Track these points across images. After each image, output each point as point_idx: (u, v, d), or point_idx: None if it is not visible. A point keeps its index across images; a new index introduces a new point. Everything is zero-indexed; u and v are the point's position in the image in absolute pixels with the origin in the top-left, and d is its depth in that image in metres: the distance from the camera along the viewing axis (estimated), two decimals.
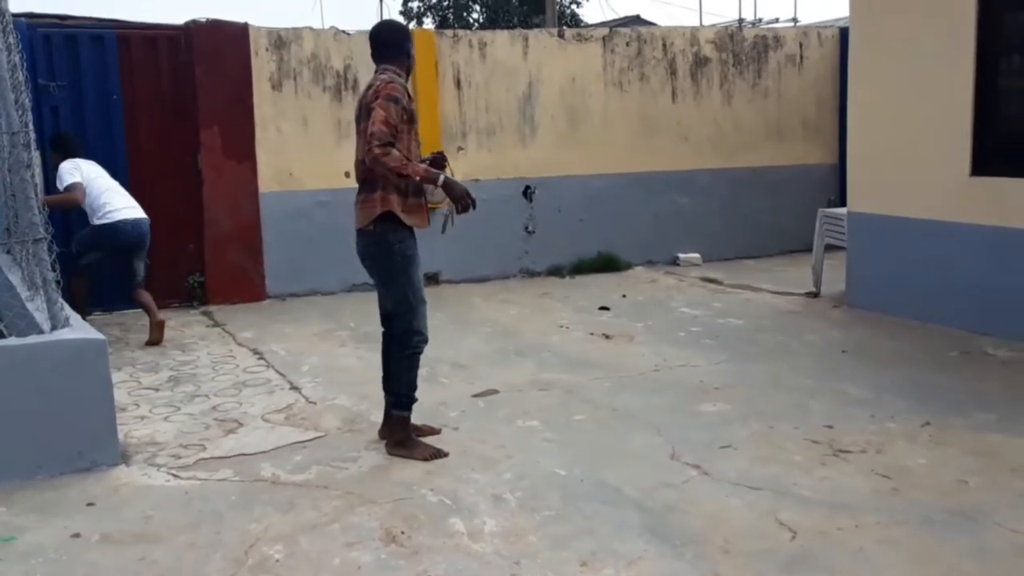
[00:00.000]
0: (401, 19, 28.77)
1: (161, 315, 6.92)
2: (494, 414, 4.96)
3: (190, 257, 8.10)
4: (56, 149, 7.00)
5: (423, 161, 4.34)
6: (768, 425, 4.64)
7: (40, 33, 7.47)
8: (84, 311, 6.70)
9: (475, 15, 31.22)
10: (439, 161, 4.37)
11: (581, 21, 29.73)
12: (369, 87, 4.27)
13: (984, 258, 6.28)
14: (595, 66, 9.33)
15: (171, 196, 7.91)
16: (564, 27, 12.08)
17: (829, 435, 4.46)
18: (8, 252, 5.46)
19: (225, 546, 3.44)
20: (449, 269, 8.71)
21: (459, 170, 4.56)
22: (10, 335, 4.28)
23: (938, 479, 3.93)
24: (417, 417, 4.63)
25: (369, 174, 4.21)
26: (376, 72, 4.33)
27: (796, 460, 4.18)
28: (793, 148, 10.14)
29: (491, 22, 29.38)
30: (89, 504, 3.85)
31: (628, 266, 9.47)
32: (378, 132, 4.05)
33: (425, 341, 4.37)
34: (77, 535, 3.56)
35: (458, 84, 8.87)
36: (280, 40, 8.26)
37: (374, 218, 4.21)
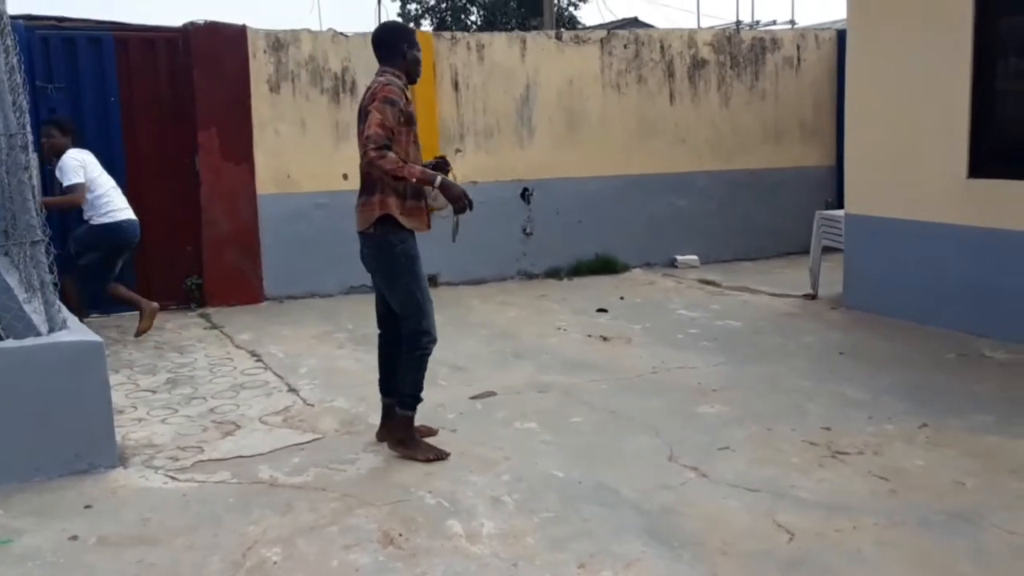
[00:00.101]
0: (399, 21, 28.75)
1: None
2: (492, 416, 4.96)
3: (188, 259, 8.10)
4: (65, 133, 6.86)
5: (426, 165, 4.34)
6: (766, 427, 4.65)
7: (38, 35, 7.47)
8: (81, 313, 6.70)
9: (473, 17, 31.24)
10: (441, 166, 4.36)
11: (579, 23, 29.75)
12: (368, 89, 4.27)
13: (981, 260, 6.29)
14: (593, 68, 9.34)
15: (169, 198, 7.92)
16: (562, 29, 12.09)
17: (827, 437, 4.47)
18: (6, 254, 5.46)
19: (223, 548, 3.44)
20: (447, 271, 8.70)
21: (457, 172, 4.53)
22: (8, 337, 4.28)
23: (935, 480, 3.93)
24: (416, 417, 4.64)
25: (368, 177, 4.21)
26: (376, 74, 4.33)
27: (794, 462, 4.18)
28: (790, 150, 10.16)
29: (489, 24, 29.40)
30: (87, 506, 3.85)
31: (626, 268, 9.48)
32: (374, 135, 4.05)
33: (434, 341, 4.33)
34: (75, 537, 3.56)
35: (456, 86, 8.88)
36: (278, 42, 8.26)
37: (373, 221, 4.21)
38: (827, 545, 3.37)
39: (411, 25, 28.27)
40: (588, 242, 9.39)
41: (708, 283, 8.75)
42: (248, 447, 4.54)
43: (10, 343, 4.15)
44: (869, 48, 7.05)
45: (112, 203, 6.87)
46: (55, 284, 4.29)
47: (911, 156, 6.74)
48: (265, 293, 8.30)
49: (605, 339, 6.66)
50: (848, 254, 7.39)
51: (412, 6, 31.07)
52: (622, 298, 8.13)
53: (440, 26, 29.78)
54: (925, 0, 6.61)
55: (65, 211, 6.99)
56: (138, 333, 6.89)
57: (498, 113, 9.04)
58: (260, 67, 8.18)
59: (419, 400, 4.38)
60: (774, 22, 16.75)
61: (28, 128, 4.51)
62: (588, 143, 9.35)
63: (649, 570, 3.23)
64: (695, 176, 9.78)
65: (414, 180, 4.11)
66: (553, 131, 9.25)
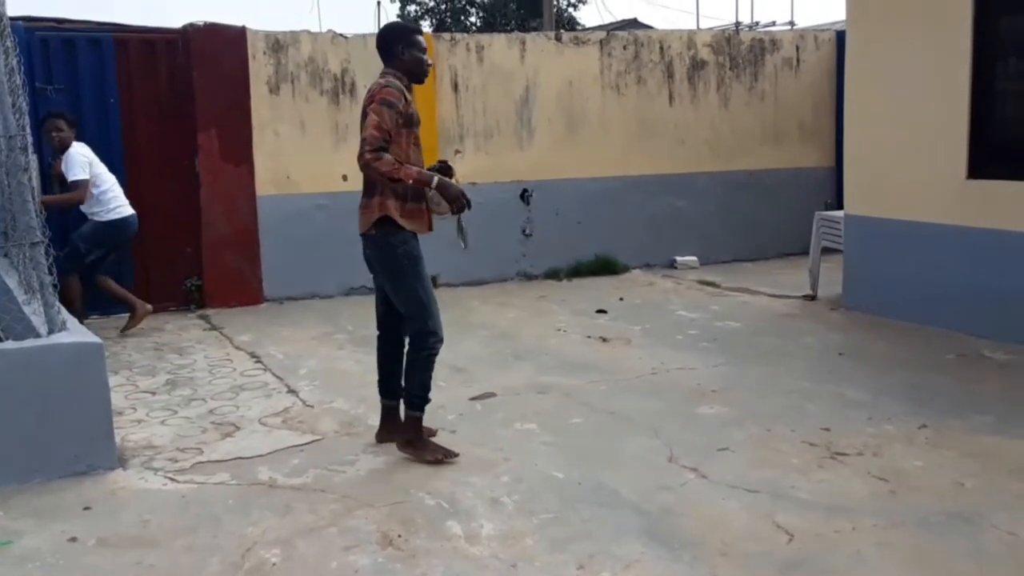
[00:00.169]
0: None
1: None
2: (492, 417, 4.96)
3: (187, 260, 8.09)
4: (72, 126, 6.93)
5: (429, 169, 4.33)
6: (765, 428, 4.65)
7: (38, 36, 7.46)
8: (82, 315, 6.72)
9: (472, 19, 31.26)
10: (444, 170, 4.35)
11: (578, 24, 29.77)
12: (368, 91, 4.28)
13: (981, 261, 6.29)
14: (592, 69, 9.35)
15: (168, 199, 7.91)
16: (561, 30, 12.09)
17: (826, 438, 4.46)
18: (5, 256, 5.45)
19: (222, 550, 3.44)
20: (447, 272, 8.70)
21: (457, 173, 4.54)
22: (7, 339, 4.27)
23: (935, 481, 3.93)
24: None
25: (369, 179, 4.21)
26: (379, 76, 4.33)
27: (793, 463, 4.18)
28: (790, 151, 10.16)
29: (488, 26, 29.42)
30: (86, 508, 3.85)
31: (625, 269, 9.48)
32: (369, 137, 4.05)
33: (440, 341, 4.30)
34: (74, 539, 3.56)
35: (455, 87, 8.88)
36: (278, 43, 8.26)
37: (373, 222, 4.22)
38: (826, 546, 3.37)
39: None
40: (588, 243, 9.39)
41: (708, 284, 8.75)
42: (247, 448, 4.54)
43: (9, 344, 4.15)
44: (868, 49, 7.06)
45: (117, 198, 6.99)
46: (55, 286, 4.29)
47: (910, 157, 6.74)
48: (265, 294, 8.30)
49: (605, 340, 6.66)
50: (847, 255, 7.39)
51: (411, 7, 31.11)
52: (621, 299, 8.13)
53: (439, 27, 29.80)
54: (924, 1, 6.61)
55: (65, 209, 7.01)
56: (123, 331, 6.90)
57: (497, 114, 9.05)
58: (260, 68, 8.18)
59: (427, 401, 4.35)
60: (773, 23, 16.75)
61: (28, 130, 4.51)
62: (587, 144, 9.35)
63: (648, 571, 3.23)
64: (694, 177, 9.78)
65: (410, 181, 4.11)
66: (552, 132, 9.25)
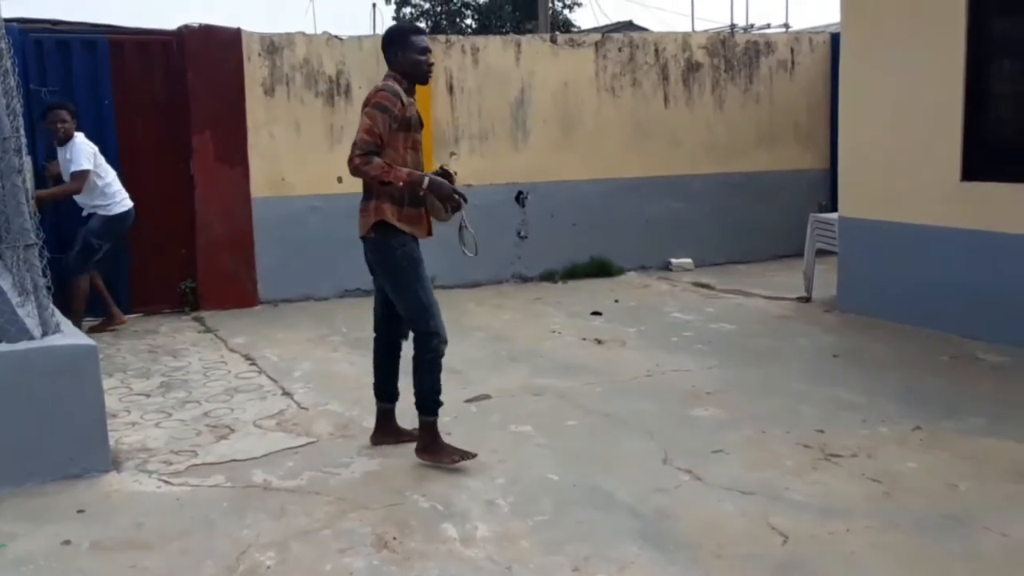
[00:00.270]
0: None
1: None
2: (487, 419, 4.96)
3: (182, 262, 8.09)
4: (74, 117, 7.02)
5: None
6: (760, 430, 4.65)
7: (32, 38, 7.45)
8: (80, 319, 6.76)
9: (468, 21, 31.27)
10: (444, 176, 4.31)
11: (574, 26, 29.78)
12: (367, 95, 4.28)
13: (974, 263, 6.31)
14: (588, 71, 9.36)
15: (163, 201, 7.91)
16: (556, 33, 12.10)
17: (821, 439, 4.47)
18: None
19: (217, 553, 3.43)
20: (443, 274, 8.66)
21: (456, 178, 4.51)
22: (0, 341, 4.26)
23: (929, 483, 3.94)
24: (409, 421, 4.63)
25: (365, 183, 4.22)
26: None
27: (788, 465, 4.18)
28: (785, 153, 10.18)
29: (483, 28, 29.42)
30: (80, 511, 3.84)
31: (621, 271, 9.48)
32: (360, 141, 4.07)
33: (444, 343, 4.26)
34: (68, 542, 3.55)
35: (451, 89, 8.88)
36: (272, 45, 8.25)
37: (371, 226, 4.22)
38: (821, 548, 3.37)
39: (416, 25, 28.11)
40: (583, 245, 9.40)
41: (702, 286, 8.76)
42: (242, 451, 4.53)
43: (3, 347, 4.13)
44: (862, 51, 7.07)
45: (120, 190, 7.20)
46: (48, 288, 4.28)
47: (905, 159, 6.76)
48: (259, 296, 8.29)
49: (600, 342, 6.66)
50: (842, 257, 7.41)
51: (407, 10, 31.10)
52: (617, 301, 8.13)
53: (435, 30, 29.78)
54: (918, 3, 6.63)
55: (59, 200, 7.04)
56: (90, 329, 6.83)
57: (493, 116, 9.05)
58: (255, 70, 8.18)
59: (439, 404, 4.30)
60: (768, 25, 16.74)
61: (22, 131, 4.50)
62: (583, 146, 9.36)
63: (643, 573, 3.23)
64: (690, 179, 9.80)
65: (401, 184, 4.11)
66: (548, 134, 9.26)
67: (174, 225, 7.98)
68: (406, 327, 4.41)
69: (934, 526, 3.53)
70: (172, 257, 8.04)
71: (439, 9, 31.20)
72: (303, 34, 8.43)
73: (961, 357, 5.93)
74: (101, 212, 7.03)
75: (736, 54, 9.92)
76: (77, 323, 6.89)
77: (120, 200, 7.11)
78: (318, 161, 8.31)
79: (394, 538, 3.51)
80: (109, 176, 7.08)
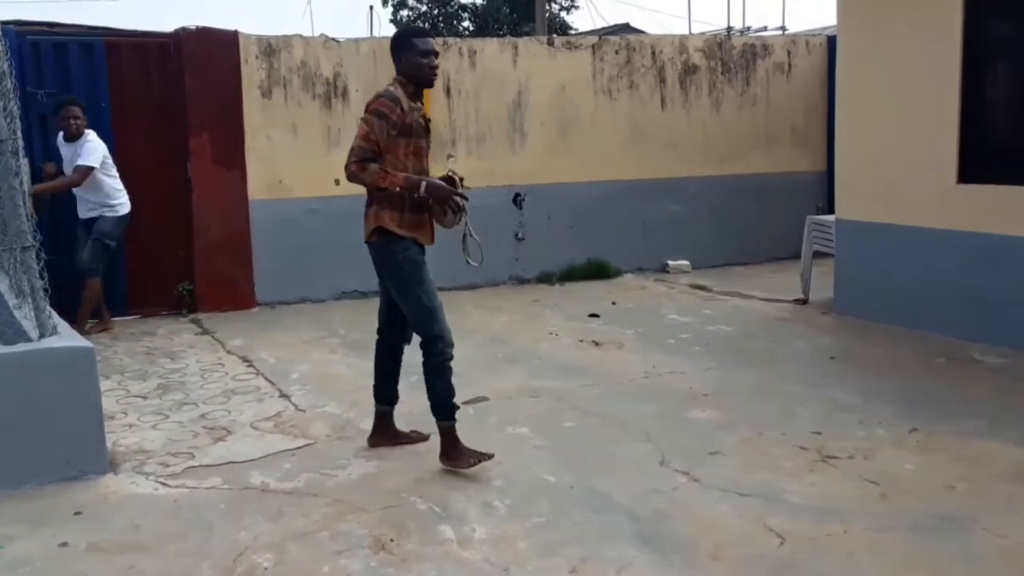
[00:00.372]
0: (391, 28, 28.76)
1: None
2: (484, 421, 4.96)
3: (179, 265, 8.08)
4: (85, 113, 7.09)
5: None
6: (757, 432, 4.65)
7: (29, 40, 7.45)
8: (84, 323, 6.80)
9: (465, 23, 31.28)
10: (448, 182, 4.29)
11: (571, 29, 29.80)
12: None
13: (971, 265, 6.32)
14: (585, 74, 9.36)
15: (160, 204, 7.90)
16: (554, 35, 12.11)
17: (818, 441, 4.48)
18: None
19: (214, 555, 3.43)
20: (440, 276, 8.59)
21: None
22: None
23: (926, 485, 3.95)
24: (405, 423, 4.64)
25: (367, 189, 4.22)
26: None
27: (785, 466, 4.19)
28: (781, 155, 10.19)
29: (481, 30, 29.43)
30: (77, 513, 3.83)
31: (618, 273, 9.49)
32: (356, 148, 4.09)
33: (450, 345, 4.23)
34: (65, 544, 3.55)
35: (448, 92, 8.88)
36: (270, 48, 8.25)
37: (372, 231, 4.22)
38: (818, 549, 3.38)
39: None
40: (580, 247, 9.40)
41: (700, 288, 8.76)
42: (239, 453, 4.53)
43: (0, 349, 4.13)
44: (859, 54, 7.09)
45: (124, 190, 7.22)
46: (46, 290, 4.28)
47: (901, 161, 6.77)
48: (257, 299, 8.29)
49: (597, 344, 6.66)
50: (839, 259, 7.41)
51: (404, 12, 31.10)
52: (614, 303, 8.14)
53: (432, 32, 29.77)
54: (915, 6, 6.64)
55: (57, 193, 7.07)
56: (82, 327, 6.81)
57: (490, 119, 9.06)
58: (252, 73, 8.18)
59: (455, 407, 4.26)
60: (765, 28, 16.76)
61: (19, 134, 4.50)
62: (580, 148, 9.37)
63: (640, 575, 3.23)
64: (687, 181, 9.81)
65: (398, 188, 4.11)
66: (545, 136, 9.26)
67: (171, 227, 7.97)
68: (409, 332, 4.41)
69: (931, 527, 3.53)
70: (169, 259, 8.03)
71: (436, 11, 31.21)
72: (300, 36, 8.43)
73: (958, 359, 5.94)
74: (109, 213, 7.10)
75: (733, 57, 9.94)
76: (85, 323, 6.95)
77: (125, 200, 7.22)
78: (315, 163, 8.30)
79: (391, 540, 3.51)
80: (116, 174, 7.20)
